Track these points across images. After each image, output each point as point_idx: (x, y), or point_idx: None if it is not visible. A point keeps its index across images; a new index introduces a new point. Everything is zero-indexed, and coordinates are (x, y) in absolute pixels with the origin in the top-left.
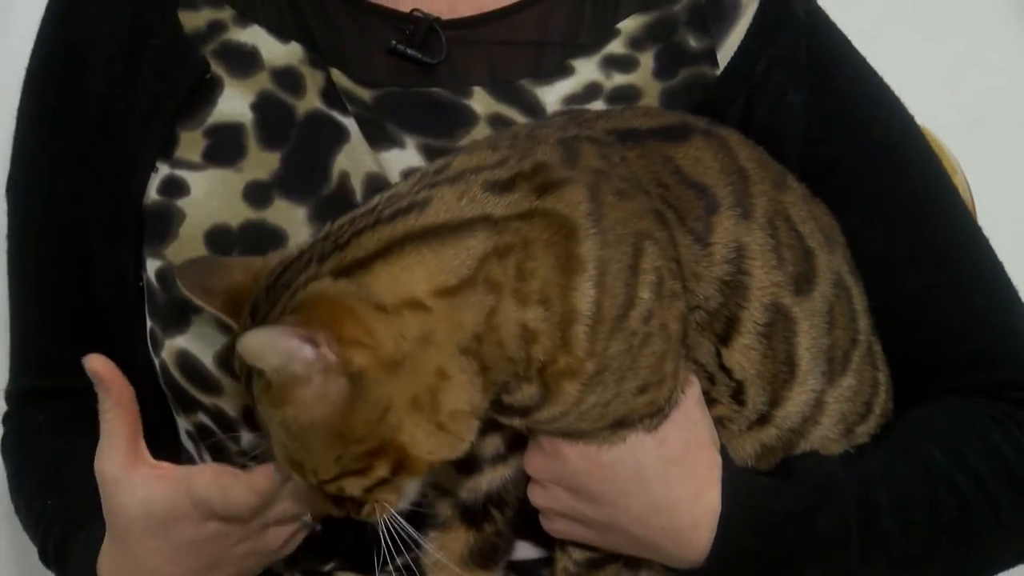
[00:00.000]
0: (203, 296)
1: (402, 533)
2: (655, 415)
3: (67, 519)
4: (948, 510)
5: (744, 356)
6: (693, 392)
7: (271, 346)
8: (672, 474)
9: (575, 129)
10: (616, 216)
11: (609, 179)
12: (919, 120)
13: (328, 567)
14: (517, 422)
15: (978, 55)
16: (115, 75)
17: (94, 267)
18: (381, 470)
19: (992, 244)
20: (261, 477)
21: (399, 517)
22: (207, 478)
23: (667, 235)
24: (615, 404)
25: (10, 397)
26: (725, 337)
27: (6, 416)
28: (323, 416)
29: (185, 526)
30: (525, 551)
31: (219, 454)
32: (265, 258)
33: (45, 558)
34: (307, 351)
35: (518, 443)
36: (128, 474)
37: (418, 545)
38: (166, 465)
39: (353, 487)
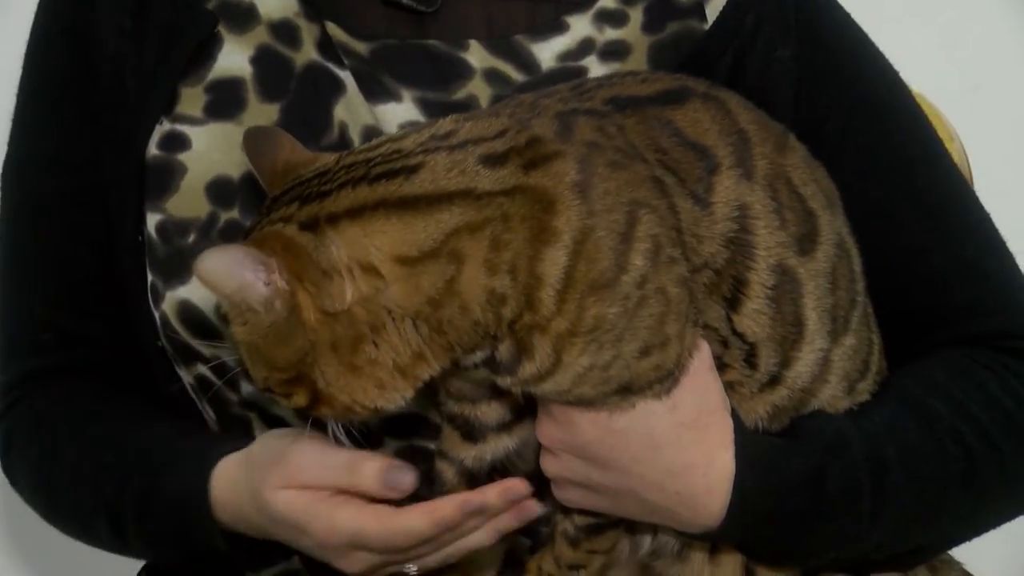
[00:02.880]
0: (256, 165)
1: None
2: (664, 379)
3: (151, 462)
4: (954, 461)
5: (754, 320)
6: (703, 357)
7: (232, 264)
8: (685, 439)
9: (575, 102)
10: (606, 187)
11: (602, 151)
12: (916, 87)
13: None
14: (508, 381)
15: (975, 22)
16: (123, 33)
17: (111, 228)
18: (300, 399)
19: (990, 211)
20: (446, 504)
21: (339, 428)
22: (406, 521)
23: (666, 203)
24: (616, 367)
25: (6, 388)
26: (734, 301)
27: (4, 410)
28: (257, 338)
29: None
30: None
31: (220, 405)
32: (310, 155)
33: (114, 520)
34: (260, 278)
35: (523, 414)
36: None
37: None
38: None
39: (282, 404)
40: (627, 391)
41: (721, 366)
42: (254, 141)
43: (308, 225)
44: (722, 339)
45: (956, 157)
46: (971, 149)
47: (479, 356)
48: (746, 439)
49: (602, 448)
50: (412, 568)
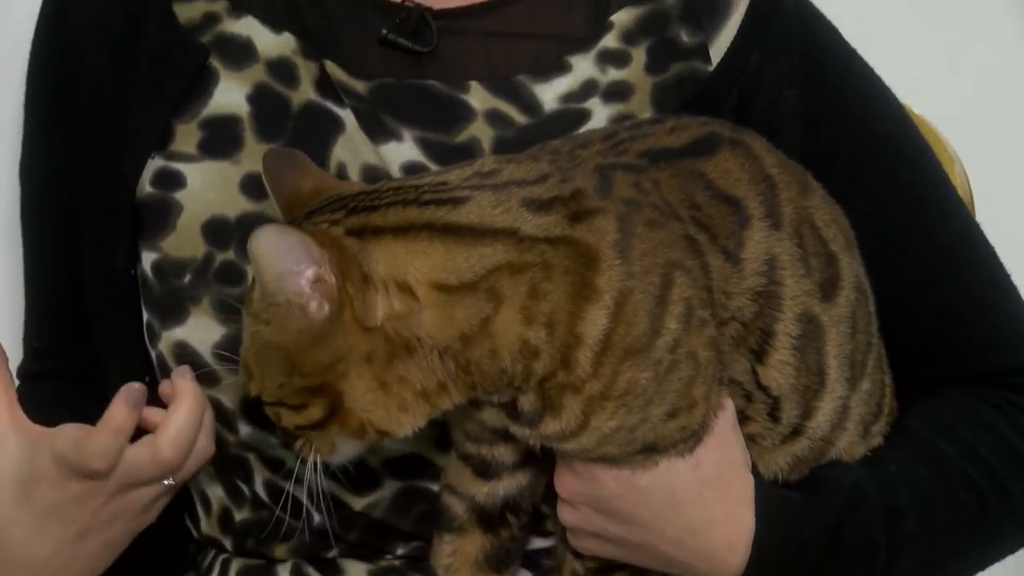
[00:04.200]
0: (274, 187)
1: (316, 486)
2: (688, 440)
3: None
4: (967, 508)
5: (780, 372)
6: (727, 415)
7: (286, 246)
8: (707, 496)
9: (612, 156)
10: (645, 247)
11: (640, 209)
12: (917, 109)
13: (331, 554)
14: (526, 433)
15: (976, 43)
16: (110, 67)
17: (83, 259)
18: (315, 412)
19: (991, 234)
20: (114, 411)
21: (319, 469)
22: (66, 433)
23: (699, 263)
24: (643, 429)
25: (21, 375)
26: (760, 353)
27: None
28: (285, 340)
29: (47, 489)
30: (530, 543)
31: (217, 446)
32: (339, 182)
33: None
34: (309, 270)
35: (535, 453)
36: (11, 434)
37: (327, 508)
38: (37, 427)
39: (287, 419)
40: (652, 451)
41: (744, 419)
42: (276, 162)
43: (354, 232)
44: (746, 393)
45: (957, 180)
46: (972, 172)
47: (499, 399)
48: (766, 495)
49: (624, 503)
50: (168, 480)
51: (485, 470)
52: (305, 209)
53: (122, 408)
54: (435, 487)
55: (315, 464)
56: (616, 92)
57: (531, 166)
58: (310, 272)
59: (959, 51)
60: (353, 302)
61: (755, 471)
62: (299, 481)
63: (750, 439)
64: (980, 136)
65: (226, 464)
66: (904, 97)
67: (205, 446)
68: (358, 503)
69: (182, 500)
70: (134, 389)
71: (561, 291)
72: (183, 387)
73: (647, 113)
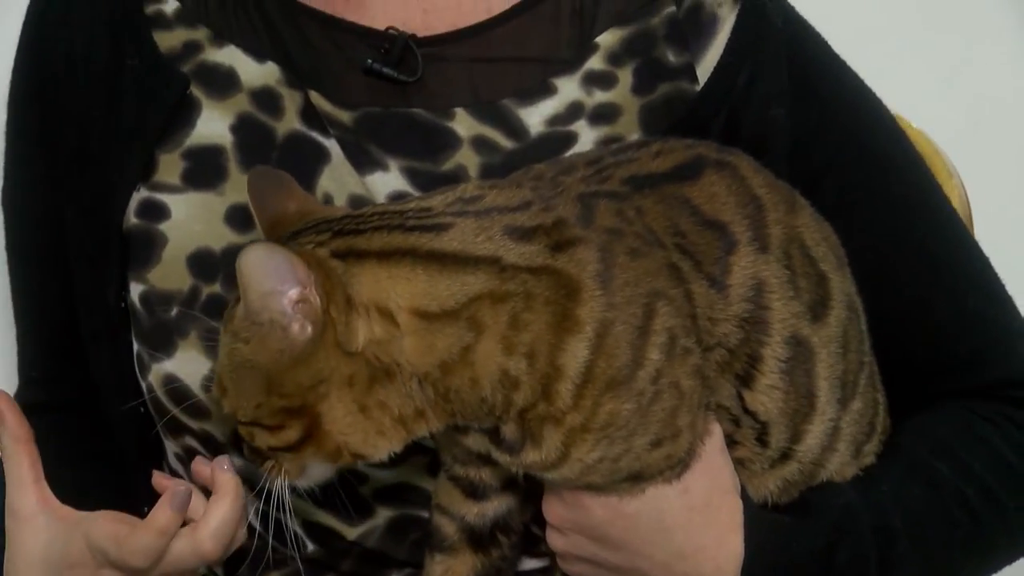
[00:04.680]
0: (258, 206)
1: (282, 504)
2: (675, 467)
3: None
4: (960, 525)
5: (768, 396)
6: (715, 441)
7: (272, 266)
8: (695, 522)
9: (595, 184)
10: (626, 277)
11: (623, 238)
12: (915, 124)
13: None
14: (508, 460)
15: (974, 58)
16: (92, 99)
17: (74, 289)
18: (292, 433)
19: (990, 249)
20: (159, 514)
21: (286, 491)
22: (103, 527)
23: (682, 291)
24: (627, 459)
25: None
26: (747, 379)
27: None
28: (265, 359)
29: (80, 573)
30: (522, 563)
31: None
32: (324, 206)
33: None
34: (293, 290)
35: (525, 475)
36: (39, 513)
37: (285, 540)
38: (66, 508)
39: (261, 440)
40: (638, 479)
41: (732, 444)
42: (262, 182)
43: (339, 254)
44: (733, 418)
45: (955, 195)
46: (971, 187)
47: (481, 425)
48: (755, 519)
49: (612, 530)
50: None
51: (474, 491)
52: (290, 229)
53: (167, 511)
54: (427, 514)
55: (282, 486)
56: (603, 114)
57: (513, 193)
58: (294, 292)
59: (958, 65)
60: (336, 325)
61: (744, 495)
62: (268, 499)
63: (739, 463)
64: (979, 151)
65: None
66: (902, 112)
67: (240, 535)
68: (351, 533)
69: None
70: (180, 492)
71: (542, 322)
72: (225, 481)
73: (635, 135)
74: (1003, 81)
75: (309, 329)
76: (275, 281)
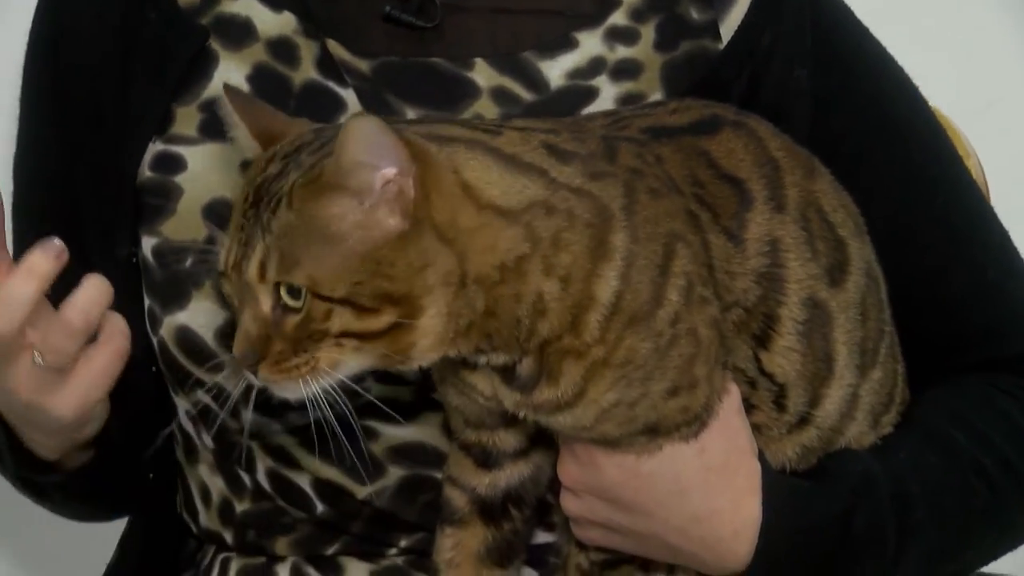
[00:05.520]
0: (244, 114)
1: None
2: (692, 423)
3: None
4: (978, 495)
5: (785, 358)
6: (732, 400)
7: (375, 141)
8: (712, 484)
9: (614, 130)
10: (647, 214)
11: (644, 177)
12: (933, 102)
13: (331, 551)
14: (517, 399)
15: (991, 37)
16: (110, 54)
17: (87, 248)
18: (383, 320)
19: (1007, 229)
20: (30, 256)
21: (324, 386)
22: None
23: (699, 239)
24: (643, 406)
25: None
26: (764, 339)
27: None
28: (370, 240)
29: None
30: (536, 537)
31: (220, 433)
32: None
33: None
34: (388, 169)
35: (538, 440)
36: None
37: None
38: None
39: (338, 321)
40: (654, 432)
41: (748, 407)
42: (241, 97)
43: (431, 138)
44: (750, 380)
45: (973, 173)
46: (988, 166)
47: (500, 359)
48: (773, 483)
49: (627, 491)
50: (39, 358)
51: (486, 459)
52: (301, 137)
53: (36, 253)
54: (440, 475)
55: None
56: (625, 70)
57: (538, 121)
58: (390, 171)
59: (976, 43)
60: (435, 213)
61: (762, 458)
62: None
63: (756, 429)
64: (997, 130)
65: (228, 453)
66: (920, 90)
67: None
68: (361, 491)
69: (179, 495)
70: (53, 242)
71: (582, 245)
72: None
73: (656, 92)
74: (1020, 60)
75: (397, 217)
76: (374, 156)
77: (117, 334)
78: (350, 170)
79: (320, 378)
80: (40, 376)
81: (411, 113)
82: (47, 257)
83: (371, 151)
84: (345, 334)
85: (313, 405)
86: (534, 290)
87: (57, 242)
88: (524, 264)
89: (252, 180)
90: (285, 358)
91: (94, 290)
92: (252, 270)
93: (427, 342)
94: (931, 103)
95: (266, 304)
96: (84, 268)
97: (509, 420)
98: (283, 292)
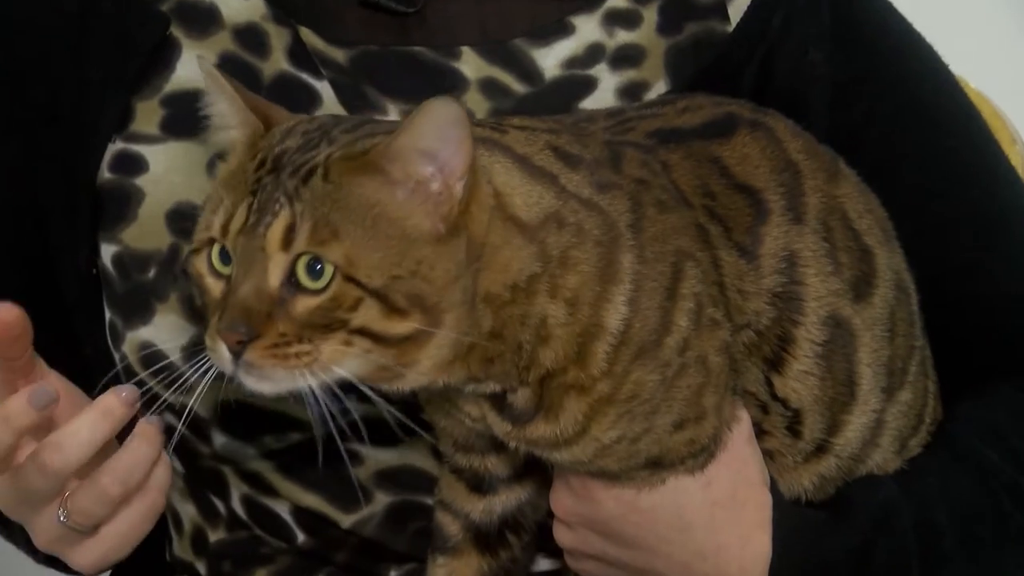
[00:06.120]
0: (232, 83)
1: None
2: (698, 455)
3: None
4: (1011, 517)
5: (801, 383)
6: (742, 429)
7: (449, 134)
8: (718, 518)
9: (619, 135)
10: (655, 231)
11: (650, 189)
12: (974, 84)
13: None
14: (507, 429)
15: None
16: (64, 45)
17: (50, 254)
18: (406, 327)
19: None
20: (13, 400)
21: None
22: None
23: (709, 256)
24: (646, 441)
25: None
26: (777, 363)
27: None
28: (416, 234)
29: None
30: (537, 564)
31: (190, 458)
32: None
33: None
34: (451, 168)
35: (534, 464)
36: None
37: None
38: None
39: (362, 315)
40: (657, 466)
41: (760, 432)
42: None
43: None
44: (761, 404)
45: (1018, 161)
46: None
47: (492, 387)
48: (785, 516)
49: (626, 526)
50: (63, 515)
51: (479, 484)
52: (318, 120)
53: (21, 399)
54: (431, 501)
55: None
56: (625, 57)
57: (536, 120)
58: (450, 169)
59: (1019, 26)
60: (472, 226)
61: (774, 489)
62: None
63: (768, 456)
64: None
65: (199, 478)
66: (960, 71)
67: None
68: (346, 520)
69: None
70: (43, 390)
71: (591, 264)
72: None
73: (660, 79)
74: None
75: (436, 220)
76: (440, 146)
77: (154, 490)
78: (408, 154)
79: (317, 374)
80: (62, 530)
81: (392, 108)
82: (28, 406)
83: (440, 141)
84: (362, 331)
85: (306, 402)
86: (539, 312)
87: (49, 390)
88: (534, 284)
89: (268, 148)
90: (286, 343)
91: (138, 454)
92: (274, 236)
93: (429, 363)
94: (972, 85)
95: (275, 277)
96: (50, 275)
97: (499, 445)
98: (301, 269)
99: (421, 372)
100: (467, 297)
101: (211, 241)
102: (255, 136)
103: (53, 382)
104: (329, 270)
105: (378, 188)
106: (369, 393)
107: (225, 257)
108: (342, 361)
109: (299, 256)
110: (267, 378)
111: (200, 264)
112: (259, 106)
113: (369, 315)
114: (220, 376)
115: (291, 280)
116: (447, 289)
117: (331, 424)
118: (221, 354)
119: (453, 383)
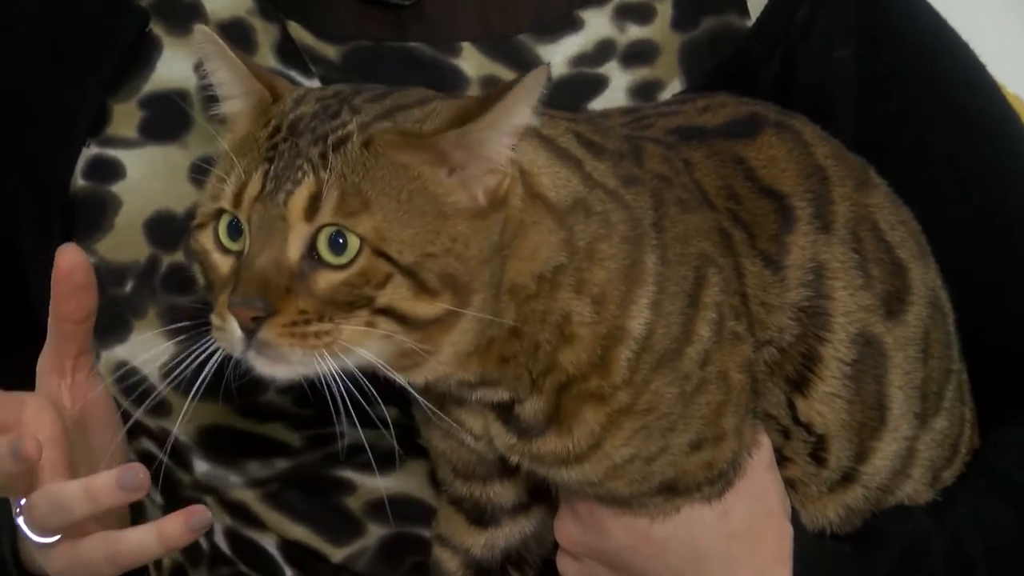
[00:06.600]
0: (235, 51)
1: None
2: (715, 481)
3: None
4: None
5: (827, 406)
6: (763, 455)
7: (512, 114)
8: (735, 551)
9: (637, 130)
10: (677, 232)
11: (672, 187)
12: (1012, 90)
13: None
14: (511, 443)
15: None
16: (36, 43)
17: (21, 267)
18: (435, 308)
19: None
20: (100, 476)
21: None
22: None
23: (731, 263)
24: (661, 462)
25: None
26: (801, 383)
27: None
28: (454, 210)
29: None
30: None
31: (169, 486)
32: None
33: None
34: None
35: (540, 492)
36: None
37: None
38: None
39: (390, 294)
40: (671, 491)
41: (781, 459)
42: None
43: None
44: (783, 429)
45: None
46: None
47: (499, 396)
48: (806, 549)
49: (636, 558)
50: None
51: (480, 516)
52: (334, 88)
53: (110, 478)
54: (428, 534)
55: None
56: (637, 53)
57: (552, 109)
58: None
59: None
60: (512, 199)
61: (796, 521)
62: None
63: (790, 485)
64: None
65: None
66: (1000, 76)
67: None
68: (336, 554)
69: None
70: (135, 474)
71: (617, 261)
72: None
73: (674, 78)
74: None
75: (481, 197)
76: (503, 128)
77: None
78: (480, 144)
79: (336, 356)
80: None
81: None
82: (118, 488)
83: (504, 124)
84: (387, 311)
85: (321, 386)
86: (562, 308)
87: (141, 475)
88: (559, 276)
89: (282, 115)
90: (306, 321)
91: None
92: (296, 204)
93: (451, 349)
94: (1010, 90)
95: (296, 249)
96: (22, 289)
97: (504, 470)
98: (323, 242)
99: (441, 361)
100: (495, 282)
101: (219, 213)
102: (263, 104)
103: (98, 385)
104: (354, 244)
105: (425, 166)
106: (383, 378)
107: (234, 231)
108: (364, 342)
109: (322, 228)
110: (283, 359)
111: (205, 239)
112: (263, 74)
113: (397, 293)
114: (204, 393)
115: (311, 254)
116: (479, 269)
117: (343, 418)
118: (231, 333)
119: (466, 380)
